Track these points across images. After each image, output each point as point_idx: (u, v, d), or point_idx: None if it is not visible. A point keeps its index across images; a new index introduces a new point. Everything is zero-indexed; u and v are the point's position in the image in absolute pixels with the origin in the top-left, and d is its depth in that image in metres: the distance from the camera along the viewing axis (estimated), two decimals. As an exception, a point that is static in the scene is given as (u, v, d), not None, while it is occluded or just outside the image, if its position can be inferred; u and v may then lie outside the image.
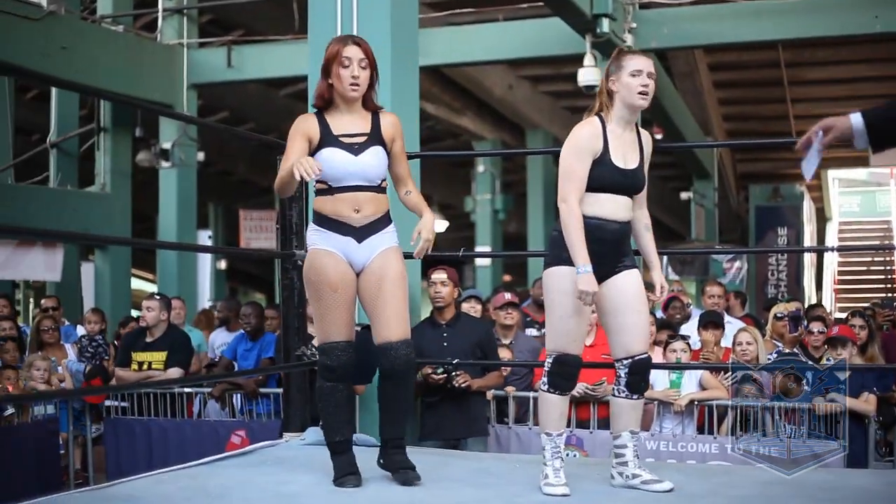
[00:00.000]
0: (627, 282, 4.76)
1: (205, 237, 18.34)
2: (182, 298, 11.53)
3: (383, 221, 4.94)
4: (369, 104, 4.99)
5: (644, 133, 4.91)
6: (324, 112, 4.95)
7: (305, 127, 4.89)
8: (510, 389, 7.81)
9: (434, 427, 7.21)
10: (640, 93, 4.70)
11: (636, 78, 4.70)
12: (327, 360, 4.86)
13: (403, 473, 4.90)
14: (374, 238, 4.89)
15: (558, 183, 4.73)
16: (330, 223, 4.86)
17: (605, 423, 7.43)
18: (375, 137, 4.91)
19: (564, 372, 4.74)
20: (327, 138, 4.85)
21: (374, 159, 4.86)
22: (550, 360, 4.76)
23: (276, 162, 5.93)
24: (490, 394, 7.68)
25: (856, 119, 3.75)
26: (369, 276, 4.88)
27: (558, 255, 4.70)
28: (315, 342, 5.82)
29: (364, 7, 7.19)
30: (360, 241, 4.86)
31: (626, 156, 4.75)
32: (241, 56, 15.98)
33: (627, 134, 4.80)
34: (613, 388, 4.88)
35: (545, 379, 4.78)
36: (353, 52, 4.84)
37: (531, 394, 7.69)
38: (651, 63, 4.78)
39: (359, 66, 4.84)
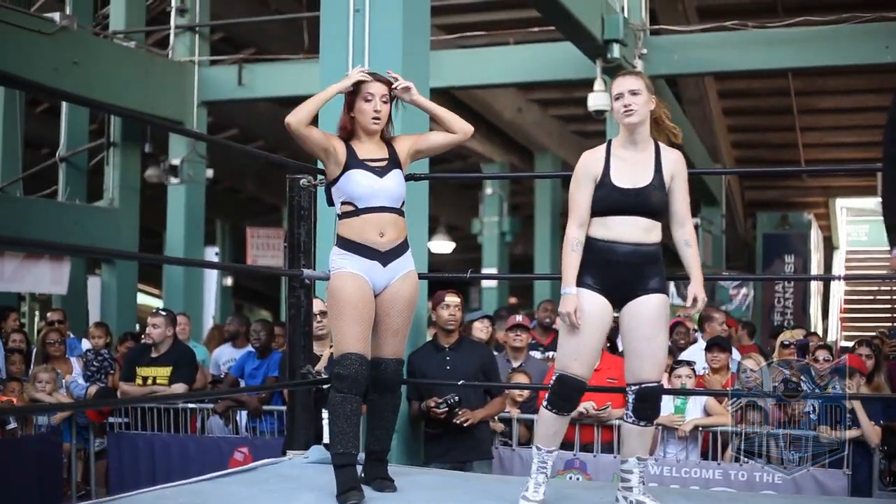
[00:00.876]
0: (646, 306, 4.75)
1: (212, 254, 18.37)
2: (187, 314, 11.54)
3: (404, 246, 5.21)
4: (383, 135, 5.31)
5: (668, 152, 4.90)
6: (347, 140, 5.22)
7: (335, 140, 5.19)
8: (515, 412, 7.81)
9: (439, 453, 7.20)
10: (624, 113, 4.79)
11: (619, 101, 4.81)
12: (340, 370, 4.95)
13: (380, 483, 5.16)
14: (397, 262, 5.16)
15: None
16: (356, 247, 5.09)
17: (608, 447, 7.43)
18: (394, 162, 5.22)
19: (564, 392, 4.77)
20: (353, 162, 5.12)
21: (395, 182, 5.16)
22: (554, 379, 4.81)
23: (285, 180, 5.94)
24: (496, 419, 7.67)
25: None
26: (386, 296, 5.15)
27: None
28: (319, 365, 5.90)
29: (375, 28, 7.20)
30: (385, 265, 5.12)
31: (634, 176, 4.77)
32: (251, 74, 16.00)
33: (640, 154, 4.83)
34: (624, 413, 4.87)
35: (547, 396, 4.83)
36: (376, 88, 5.20)
37: (535, 416, 7.69)
38: (632, 81, 4.86)
39: (381, 101, 5.19)
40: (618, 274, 4.70)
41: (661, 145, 4.91)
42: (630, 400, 4.78)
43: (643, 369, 4.75)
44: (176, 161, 15.68)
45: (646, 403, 4.77)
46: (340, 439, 4.94)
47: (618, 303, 4.75)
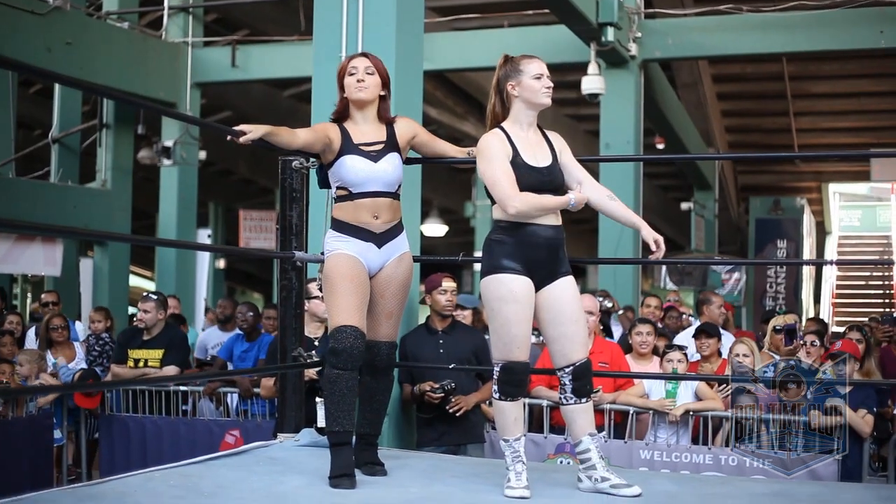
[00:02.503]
0: (564, 289, 4.82)
1: (204, 236, 18.36)
2: (178, 297, 11.50)
3: (399, 227, 5.23)
4: (383, 116, 5.28)
5: (550, 132, 5.03)
6: (342, 122, 5.23)
7: (329, 129, 5.17)
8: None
9: (432, 437, 7.21)
10: (544, 93, 4.90)
11: (539, 80, 4.88)
12: (335, 344, 4.90)
13: (370, 468, 5.14)
14: (392, 243, 5.18)
15: (490, 195, 4.81)
16: (350, 229, 5.09)
17: (598, 431, 7.44)
18: (391, 145, 5.20)
19: (513, 379, 4.79)
20: (347, 146, 5.11)
21: (391, 166, 5.14)
22: (498, 369, 4.81)
23: (278, 162, 5.92)
24: (489, 404, 7.67)
25: None
26: (381, 278, 5.16)
27: (494, 262, 4.76)
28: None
29: (369, 9, 7.19)
30: (380, 246, 5.12)
31: (536, 155, 4.84)
32: (245, 56, 15.98)
33: (532, 135, 4.92)
34: (560, 397, 4.89)
35: (495, 388, 4.82)
36: (358, 62, 5.21)
37: (527, 400, 7.68)
38: (545, 66, 4.98)
39: (365, 72, 5.16)
40: (540, 256, 4.76)
41: (541, 127, 5.02)
42: (567, 382, 4.81)
43: (573, 350, 4.80)
44: (169, 143, 15.66)
45: (582, 381, 4.81)
46: (336, 417, 4.91)
47: (536, 286, 4.77)
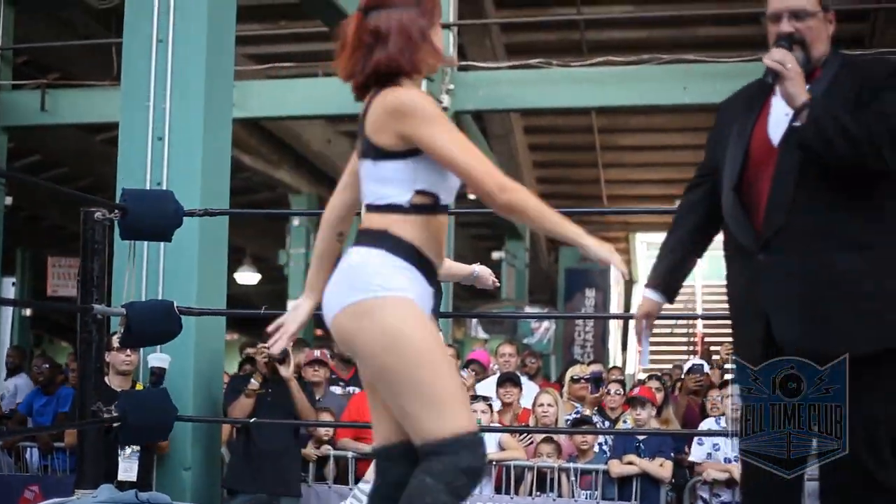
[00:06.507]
0: None
1: (8, 284, 17.88)
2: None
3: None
4: None
5: None
6: None
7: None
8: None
9: (246, 478, 7.13)
10: None
11: None
12: (472, 461, 3.13)
13: None
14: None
15: None
16: (422, 262, 3.34)
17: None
18: None
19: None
20: None
21: None
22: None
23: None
24: (312, 453, 7.69)
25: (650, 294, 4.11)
26: None
27: None
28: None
29: (179, 55, 7.17)
30: (436, 292, 3.50)
31: None
32: (55, 99, 15.66)
33: None
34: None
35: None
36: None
37: (349, 453, 7.68)
38: None
39: None
40: None
41: None
42: None
43: None
44: (-28, 188, 15.24)
45: None
46: None
47: None
